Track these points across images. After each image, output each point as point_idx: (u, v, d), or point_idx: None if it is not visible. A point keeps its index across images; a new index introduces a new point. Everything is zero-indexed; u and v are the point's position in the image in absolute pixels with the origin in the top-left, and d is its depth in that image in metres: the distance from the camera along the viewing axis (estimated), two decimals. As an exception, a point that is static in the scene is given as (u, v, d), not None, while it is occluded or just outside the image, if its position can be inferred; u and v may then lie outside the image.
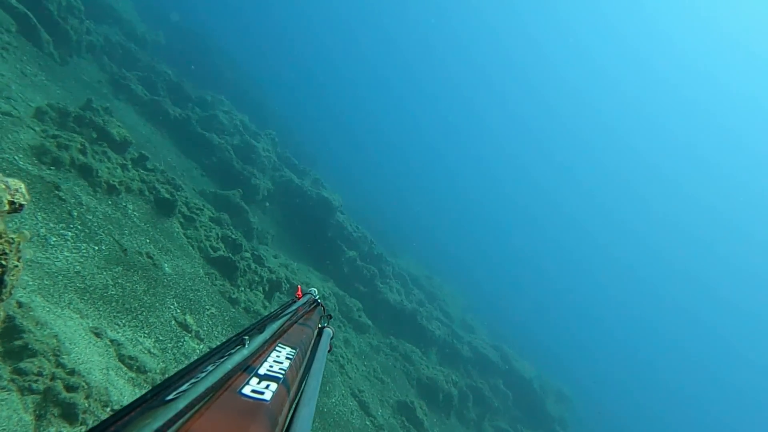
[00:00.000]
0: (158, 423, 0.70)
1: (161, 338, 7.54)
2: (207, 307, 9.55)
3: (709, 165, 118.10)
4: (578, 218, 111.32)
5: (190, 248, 11.12)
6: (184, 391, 0.83)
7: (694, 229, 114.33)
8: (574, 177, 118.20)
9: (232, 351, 1.08)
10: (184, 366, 1.03)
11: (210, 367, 0.97)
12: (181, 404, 0.77)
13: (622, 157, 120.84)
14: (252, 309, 11.23)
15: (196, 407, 0.80)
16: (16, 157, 7.70)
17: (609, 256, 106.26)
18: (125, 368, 6.33)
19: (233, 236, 13.09)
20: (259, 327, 1.36)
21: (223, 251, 12.02)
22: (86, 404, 5.09)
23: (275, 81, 49.91)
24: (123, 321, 6.99)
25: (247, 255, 13.04)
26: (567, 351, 52.19)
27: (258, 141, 22.44)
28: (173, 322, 8.18)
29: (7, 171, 7.14)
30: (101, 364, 5.90)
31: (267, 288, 12.87)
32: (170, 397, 0.81)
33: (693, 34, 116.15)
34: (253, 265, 12.79)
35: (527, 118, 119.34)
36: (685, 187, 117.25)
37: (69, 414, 4.89)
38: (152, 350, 7.09)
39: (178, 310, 8.54)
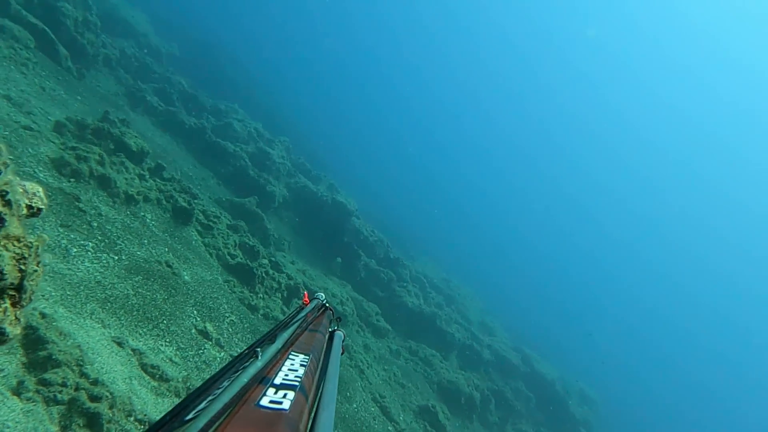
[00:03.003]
0: None
1: (182, 346, 7.54)
2: (227, 314, 9.56)
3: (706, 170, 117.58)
4: (596, 217, 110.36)
5: (209, 256, 11.17)
6: (203, 409, 0.83)
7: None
8: (590, 176, 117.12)
9: (246, 364, 1.10)
10: (199, 384, 1.07)
11: (226, 383, 0.99)
12: (201, 422, 0.76)
13: (635, 156, 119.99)
14: (271, 315, 11.22)
15: (216, 424, 0.80)
16: (36, 170, 7.80)
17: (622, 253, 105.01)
18: (148, 377, 6.34)
19: (251, 243, 13.13)
20: (270, 337, 1.39)
21: (241, 258, 12.05)
22: (110, 414, 5.09)
23: (287, 88, 50.27)
24: (144, 330, 7.00)
25: (265, 262, 13.07)
26: (587, 354, 51.33)
27: (272, 148, 22.57)
28: (194, 330, 8.19)
29: (28, 184, 7.21)
30: (124, 373, 5.91)
31: (285, 294, 12.87)
32: (189, 416, 0.83)
33: (687, 41, 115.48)
34: (271, 272, 12.80)
35: (542, 118, 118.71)
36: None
37: (93, 424, 4.88)
38: (174, 359, 7.09)
39: (198, 318, 8.55)
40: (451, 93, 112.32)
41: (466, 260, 51.50)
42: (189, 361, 7.41)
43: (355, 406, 11.77)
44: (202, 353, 7.87)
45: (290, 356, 1.29)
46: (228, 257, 11.70)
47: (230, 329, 9.26)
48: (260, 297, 11.59)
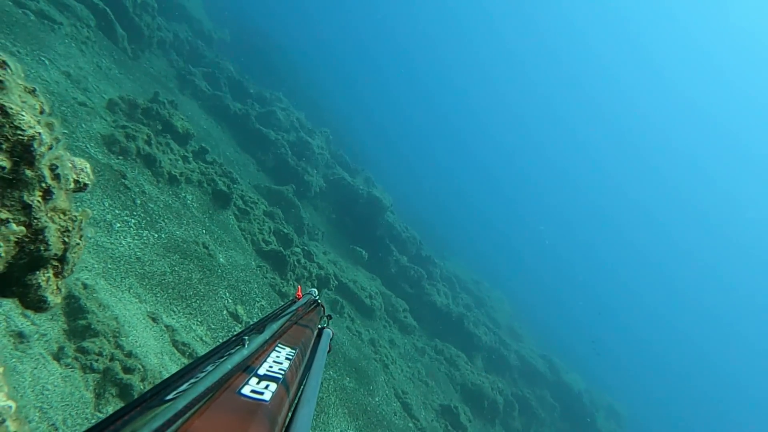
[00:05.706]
0: (157, 422, 0.69)
1: (213, 327, 7.72)
2: (257, 299, 9.73)
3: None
4: (621, 228, 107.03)
5: (244, 240, 11.39)
6: (184, 390, 0.83)
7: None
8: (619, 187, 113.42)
9: (232, 351, 1.09)
10: (183, 366, 1.04)
11: (210, 367, 0.98)
12: (181, 404, 0.76)
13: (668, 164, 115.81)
14: (300, 303, 11.34)
15: (196, 407, 0.80)
16: (88, 146, 8.11)
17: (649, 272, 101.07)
18: (178, 354, 6.52)
19: (285, 231, 13.32)
20: (258, 327, 1.37)
21: (275, 245, 12.24)
22: (141, 387, 5.26)
23: (334, 83, 50.56)
24: (178, 308, 7.20)
25: (298, 250, 13.23)
26: (618, 372, 49.83)
27: (313, 138, 22.79)
28: (225, 311, 8.37)
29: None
30: (156, 348, 6.10)
31: (315, 283, 13.01)
32: (170, 396, 0.82)
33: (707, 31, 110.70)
34: (302, 260, 12.96)
35: (574, 127, 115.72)
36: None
37: (125, 395, 5.06)
38: (204, 338, 7.28)
39: (230, 301, 8.73)
40: (486, 99, 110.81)
41: (499, 264, 50.86)
42: (218, 341, 7.59)
43: (377, 399, 11.80)
44: (231, 335, 8.03)
45: (277, 348, 1.28)
46: (262, 243, 11.90)
47: (260, 314, 9.41)
48: (291, 284, 11.75)
